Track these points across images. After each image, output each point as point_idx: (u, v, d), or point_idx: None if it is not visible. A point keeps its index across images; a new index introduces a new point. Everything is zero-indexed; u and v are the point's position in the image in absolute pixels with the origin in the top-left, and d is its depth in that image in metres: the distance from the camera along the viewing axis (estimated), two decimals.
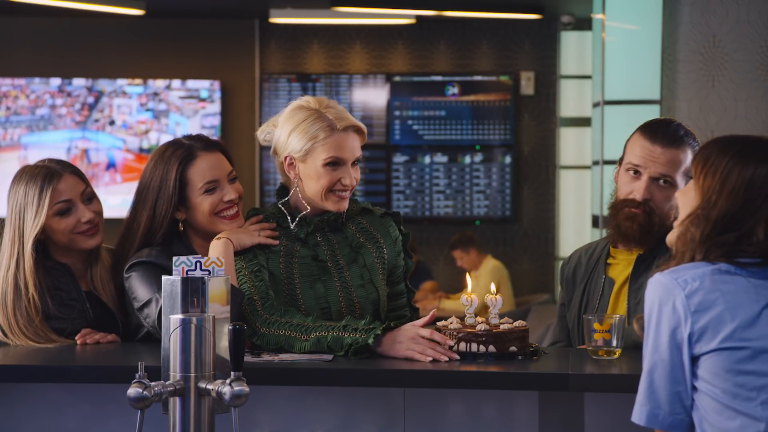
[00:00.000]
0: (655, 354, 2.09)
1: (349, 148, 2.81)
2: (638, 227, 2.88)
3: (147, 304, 2.86)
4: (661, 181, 2.87)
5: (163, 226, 2.98)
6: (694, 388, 2.08)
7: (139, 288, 2.90)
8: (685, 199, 2.21)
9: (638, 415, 2.12)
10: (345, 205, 2.86)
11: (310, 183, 2.83)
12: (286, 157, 2.85)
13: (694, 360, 2.07)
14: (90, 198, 3.09)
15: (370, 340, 2.61)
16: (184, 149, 3.00)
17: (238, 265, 2.82)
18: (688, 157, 2.89)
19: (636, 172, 2.90)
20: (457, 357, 2.59)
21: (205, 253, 2.85)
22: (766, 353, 2.04)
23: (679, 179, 2.88)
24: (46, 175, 3.02)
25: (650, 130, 2.92)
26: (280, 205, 2.91)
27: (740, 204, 2.11)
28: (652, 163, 2.88)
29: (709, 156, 2.18)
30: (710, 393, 2.05)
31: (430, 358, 2.56)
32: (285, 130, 2.85)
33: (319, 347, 2.66)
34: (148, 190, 3.00)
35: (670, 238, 2.25)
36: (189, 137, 3.06)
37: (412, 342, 2.61)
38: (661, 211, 2.87)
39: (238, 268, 2.81)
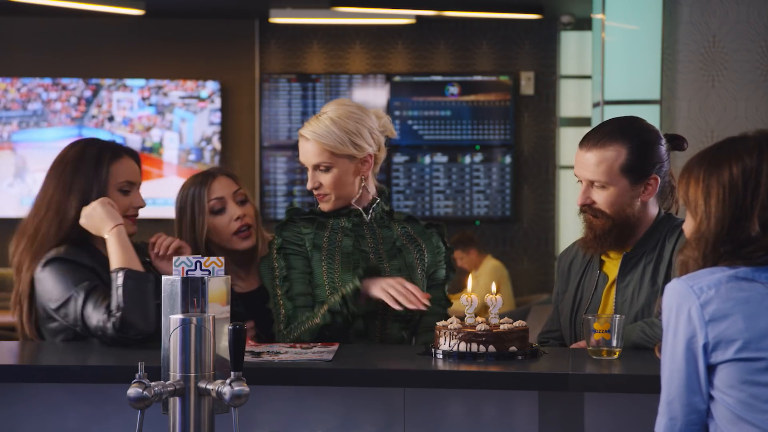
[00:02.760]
0: (673, 363, 2.05)
1: (304, 154, 3.06)
2: (592, 235, 2.91)
3: (66, 303, 2.86)
4: (596, 185, 2.88)
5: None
6: (711, 398, 2.04)
7: (52, 287, 2.89)
8: (686, 227, 2.15)
9: (658, 425, 2.07)
10: (326, 206, 3.08)
11: (371, 181, 3.14)
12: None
13: (711, 369, 2.03)
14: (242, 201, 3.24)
15: (357, 282, 2.87)
16: (114, 145, 3.09)
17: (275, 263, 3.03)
18: (620, 152, 2.84)
19: (579, 180, 2.93)
20: (427, 304, 2.82)
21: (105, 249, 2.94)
22: None
23: (613, 177, 2.85)
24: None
25: (583, 138, 2.94)
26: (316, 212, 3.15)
27: (732, 210, 2.05)
28: (582, 169, 2.89)
29: (688, 178, 2.12)
30: (725, 403, 2.01)
31: (398, 306, 2.81)
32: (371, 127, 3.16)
33: (329, 319, 2.92)
34: (75, 176, 3.03)
35: (675, 264, 2.21)
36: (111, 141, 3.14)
37: (388, 285, 2.85)
38: (613, 210, 2.87)
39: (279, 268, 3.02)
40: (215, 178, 3.21)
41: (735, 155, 2.07)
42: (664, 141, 2.92)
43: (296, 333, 2.94)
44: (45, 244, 2.95)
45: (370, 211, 3.09)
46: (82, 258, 2.92)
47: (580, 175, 2.90)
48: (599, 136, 2.88)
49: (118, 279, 2.81)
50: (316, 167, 3.03)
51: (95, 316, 2.81)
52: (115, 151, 3.05)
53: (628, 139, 2.86)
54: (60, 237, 2.96)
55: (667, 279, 2.83)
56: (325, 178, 3.03)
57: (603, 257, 2.97)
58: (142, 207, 3.07)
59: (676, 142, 2.97)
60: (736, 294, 2.01)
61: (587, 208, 2.90)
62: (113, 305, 2.80)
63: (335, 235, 3.04)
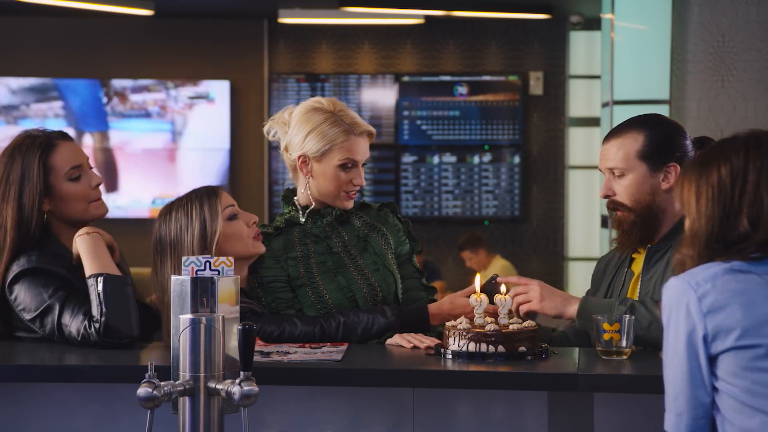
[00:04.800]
0: (675, 358, 2.08)
1: (362, 151, 3.03)
2: (620, 230, 2.92)
3: (42, 314, 2.81)
4: (615, 173, 2.90)
5: (34, 217, 2.92)
6: (715, 390, 2.07)
7: (27, 299, 2.85)
8: (685, 227, 2.20)
9: (667, 423, 2.10)
10: (352, 203, 3.08)
11: (322, 182, 3.03)
12: (300, 156, 3.03)
13: (712, 360, 2.06)
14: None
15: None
16: (42, 139, 2.97)
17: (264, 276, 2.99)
18: (637, 138, 2.88)
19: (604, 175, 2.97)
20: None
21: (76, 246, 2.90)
22: None
23: (631, 163, 2.87)
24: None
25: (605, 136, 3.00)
26: (296, 206, 3.08)
27: (721, 208, 2.10)
28: (603, 160, 2.94)
29: (682, 180, 2.18)
30: (729, 392, 2.04)
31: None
32: (301, 130, 3.02)
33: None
34: (8, 184, 2.93)
35: (673, 263, 2.25)
36: (41, 130, 3.02)
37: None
38: (633, 200, 2.88)
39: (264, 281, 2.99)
40: (221, 189, 3.08)
41: (723, 156, 2.13)
42: (689, 137, 2.94)
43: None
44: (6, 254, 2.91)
45: (334, 210, 3.07)
46: (53, 264, 2.88)
47: (602, 166, 2.94)
48: (619, 128, 2.94)
49: (99, 285, 2.76)
50: (364, 163, 3.05)
51: (74, 325, 2.76)
52: (46, 142, 2.96)
53: (647, 127, 2.91)
54: (17, 244, 2.90)
55: None
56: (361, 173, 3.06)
57: (633, 255, 2.98)
58: (100, 183, 3.00)
59: (702, 142, 2.97)
60: (733, 285, 2.06)
61: (610, 203, 2.92)
62: (95, 311, 2.74)
63: (305, 246, 3.03)
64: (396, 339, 2.83)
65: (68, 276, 2.86)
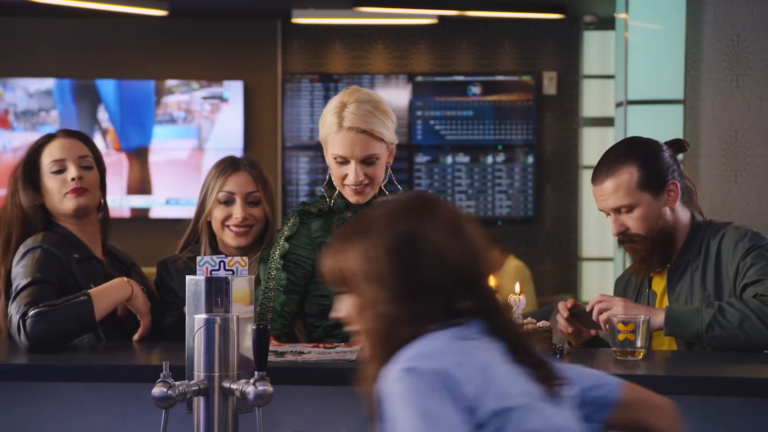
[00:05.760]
0: None
1: (351, 147, 2.91)
2: (639, 259, 2.92)
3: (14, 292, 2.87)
4: (623, 211, 2.89)
5: (34, 211, 3.05)
6: None
7: (18, 276, 2.90)
8: None
9: None
10: (363, 198, 2.97)
11: (331, 172, 3.00)
12: (321, 141, 3.01)
13: None
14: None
15: None
16: (44, 137, 3.12)
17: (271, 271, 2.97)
18: (631, 171, 2.87)
19: (607, 214, 2.95)
20: None
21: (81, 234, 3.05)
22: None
23: (635, 196, 2.87)
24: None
25: (592, 176, 2.96)
26: (337, 193, 3.02)
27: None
28: (604, 201, 2.93)
29: None
30: None
31: None
32: (323, 114, 3.01)
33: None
34: (15, 180, 3.09)
35: None
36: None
37: None
38: (646, 228, 2.88)
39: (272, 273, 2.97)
40: (235, 172, 3.22)
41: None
42: (665, 147, 2.95)
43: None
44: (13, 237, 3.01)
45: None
46: (57, 246, 2.95)
47: (604, 207, 2.93)
48: (606, 166, 2.92)
49: (76, 297, 2.81)
50: (366, 160, 2.93)
51: (15, 315, 2.79)
52: (44, 140, 3.11)
53: (634, 156, 2.90)
54: (22, 237, 3.00)
55: (717, 279, 2.83)
56: (372, 170, 2.95)
57: (651, 273, 2.98)
58: (77, 177, 3.05)
59: (677, 146, 3.01)
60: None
61: (623, 236, 2.91)
62: (42, 309, 2.77)
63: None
64: None
65: (65, 262, 2.91)
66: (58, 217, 3.06)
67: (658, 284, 2.96)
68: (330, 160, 2.97)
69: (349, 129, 2.91)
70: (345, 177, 2.94)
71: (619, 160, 2.90)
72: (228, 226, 3.19)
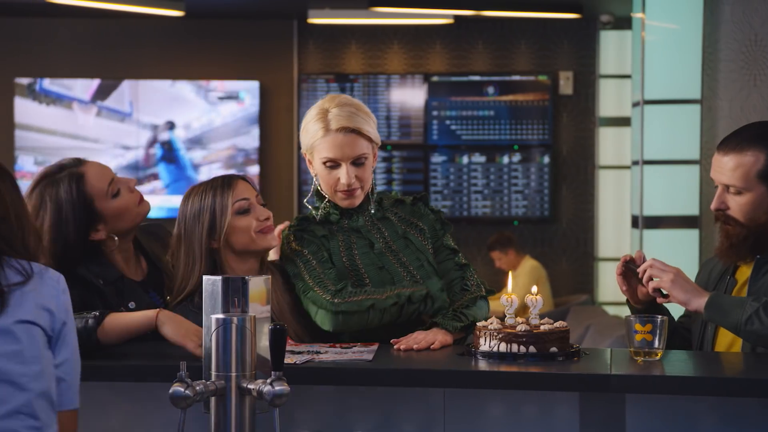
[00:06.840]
0: None
1: (341, 149, 2.92)
2: (728, 243, 2.84)
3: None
4: (731, 190, 2.82)
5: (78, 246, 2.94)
6: None
7: None
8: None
9: None
10: (355, 201, 2.99)
11: (321, 180, 3.00)
12: (304, 153, 3.03)
13: None
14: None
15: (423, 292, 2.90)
16: (70, 168, 2.97)
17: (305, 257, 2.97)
18: (758, 157, 2.78)
19: (715, 186, 2.88)
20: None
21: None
22: None
23: (750, 183, 2.79)
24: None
25: (721, 142, 2.87)
26: (326, 202, 3.01)
27: None
28: (719, 173, 2.84)
29: None
30: None
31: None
32: (302, 125, 3.01)
33: (403, 300, 2.87)
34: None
35: None
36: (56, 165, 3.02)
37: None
38: (747, 218, 2.80)
39: (306, 260, 2.96)
40: (237, 181, 3.07)
41: None
42: None
43: (350, 302, 2.87)
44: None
45: (371, 205, 3.04)
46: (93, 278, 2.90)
47: (716, 178, 2.85)
48: (738, 140, 2.83)
49: (84, 315, 2.69)
50: (356, 160, 2.94)
51: None
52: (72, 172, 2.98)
53: (763, 146, 2.80)
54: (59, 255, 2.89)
55: None
56: (361, 171, 2.96)
57: (739, 262, 2.90)
58: (135, 183, 3.08)
59: None
60: None
61: (721, 214, 2.85)
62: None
63: (348, 237, 3.00)
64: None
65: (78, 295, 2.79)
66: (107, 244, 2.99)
67: (743, 273, 2.87)
68: (318, 167, 2.96)
69: (337, 131, 2.91)
70: (336, 182, 2.95)
71: (751, 141, 2.81)
72: (259, 231, 3.01)
